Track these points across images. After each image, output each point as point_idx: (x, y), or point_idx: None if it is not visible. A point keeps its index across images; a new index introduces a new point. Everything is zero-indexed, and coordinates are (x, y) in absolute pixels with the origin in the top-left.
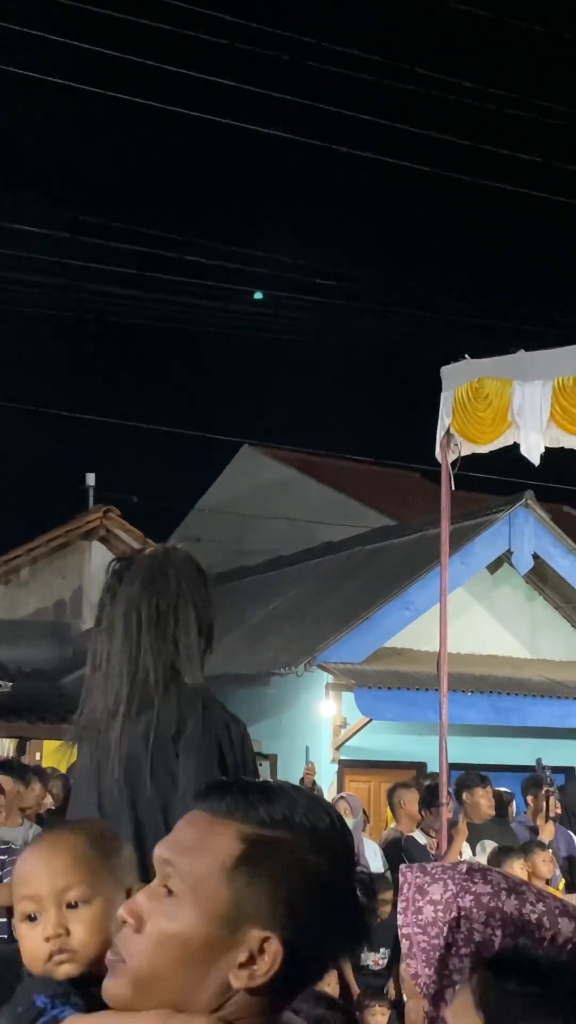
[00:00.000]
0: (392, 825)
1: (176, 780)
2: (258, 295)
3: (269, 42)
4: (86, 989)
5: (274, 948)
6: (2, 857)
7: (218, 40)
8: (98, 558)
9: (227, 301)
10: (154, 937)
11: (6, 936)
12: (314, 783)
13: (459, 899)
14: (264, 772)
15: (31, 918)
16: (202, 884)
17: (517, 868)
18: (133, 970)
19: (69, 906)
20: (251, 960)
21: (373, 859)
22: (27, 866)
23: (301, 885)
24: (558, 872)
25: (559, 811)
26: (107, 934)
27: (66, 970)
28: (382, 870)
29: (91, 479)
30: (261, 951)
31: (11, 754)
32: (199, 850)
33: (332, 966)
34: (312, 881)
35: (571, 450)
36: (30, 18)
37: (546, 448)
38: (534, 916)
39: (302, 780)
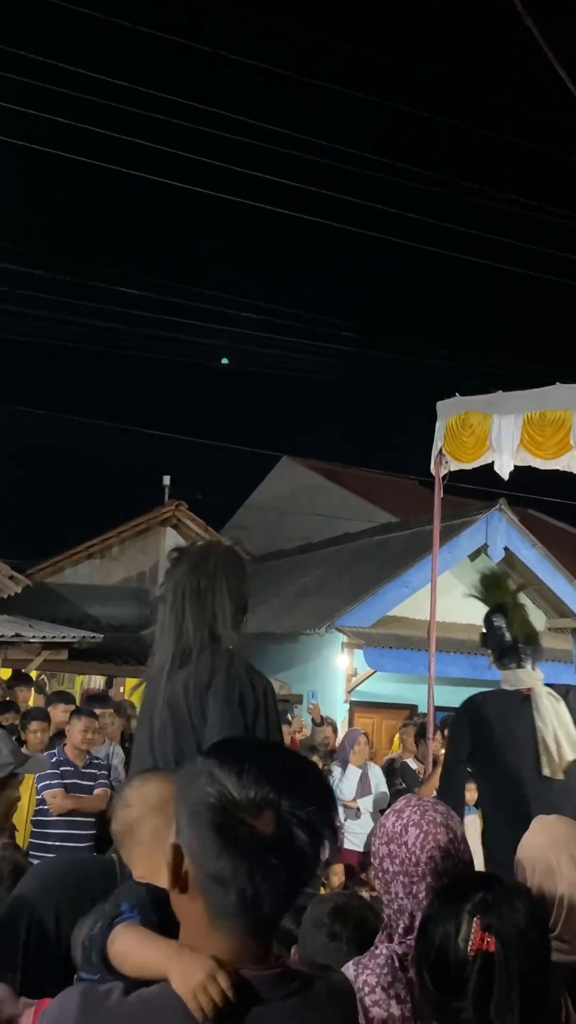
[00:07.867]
0: (398, 752)
1: (206, 719)
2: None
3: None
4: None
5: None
6: (92, 771)
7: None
8: (171, 540)
9: (285, 349)
10: None
11: (93, 842)
12: (322, 717)
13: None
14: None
15: None
16: None
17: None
18: None
19: None
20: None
21: (375, 777)
22: None
23: (199, 812)
24: None
25: None
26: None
27: None
28: (383, 787)
29: (167, 480)
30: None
31: (101, 688)
32: None
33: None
34: (205, 808)
35: (535, 468)
36: None
37: (516, 467)
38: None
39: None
